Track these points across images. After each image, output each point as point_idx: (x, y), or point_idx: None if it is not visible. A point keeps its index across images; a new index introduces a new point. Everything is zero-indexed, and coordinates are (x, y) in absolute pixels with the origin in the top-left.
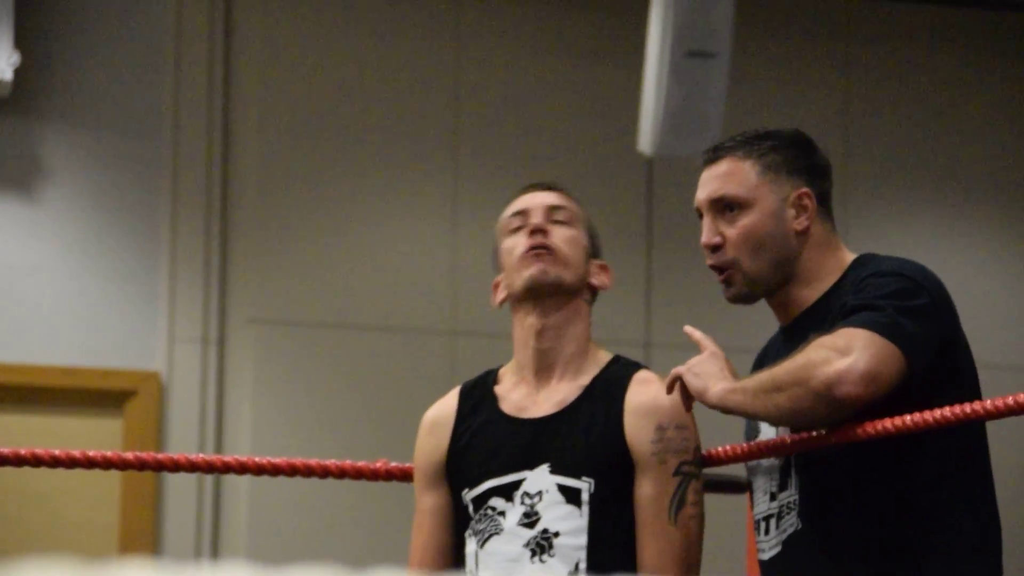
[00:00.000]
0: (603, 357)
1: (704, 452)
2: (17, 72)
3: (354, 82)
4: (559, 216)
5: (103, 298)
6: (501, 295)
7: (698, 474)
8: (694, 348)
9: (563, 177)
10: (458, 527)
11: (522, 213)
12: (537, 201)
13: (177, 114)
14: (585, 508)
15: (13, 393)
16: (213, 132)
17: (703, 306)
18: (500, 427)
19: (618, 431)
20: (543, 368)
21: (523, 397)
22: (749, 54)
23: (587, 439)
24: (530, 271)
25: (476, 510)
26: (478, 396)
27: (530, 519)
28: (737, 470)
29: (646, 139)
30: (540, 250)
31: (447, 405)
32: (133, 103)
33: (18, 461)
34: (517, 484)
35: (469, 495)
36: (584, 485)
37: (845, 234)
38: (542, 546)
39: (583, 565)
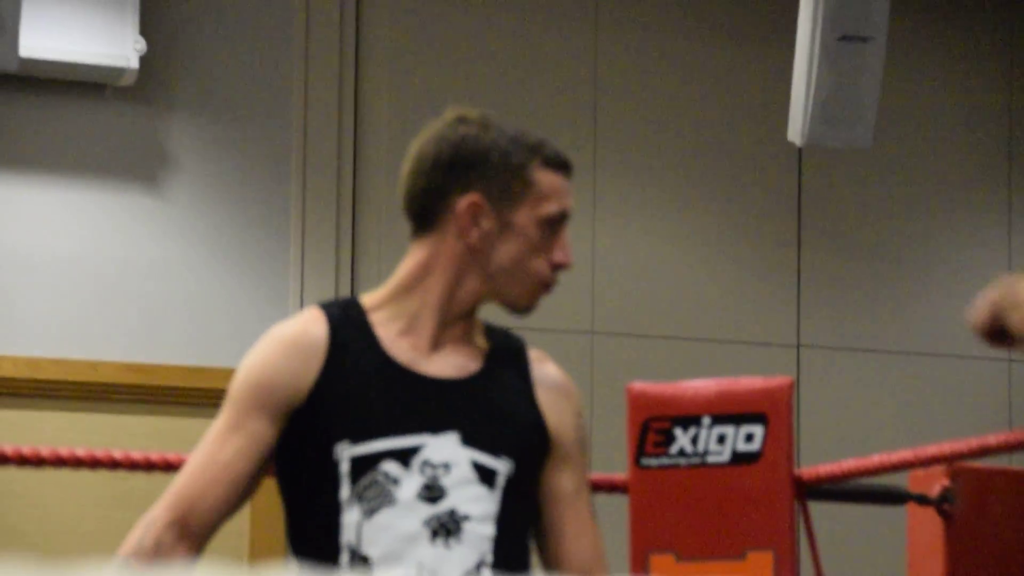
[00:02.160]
0: (477, 320)
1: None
2: (142, 60)
3: (488, 70)
4: None
5: (230, 294)
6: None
7: None
8: (848, 349)
9: (707, 169)
10: (309, 485)
11: (562, 218)
12: (569, 205)
13: (307, 103)
14: (498, 492)
15: (139, 393)
16: (344, 121)
17: (858, 306)
18: (392, 377)
19: (535, 410)
20: (441, 325)
21: (411, 349)
22: (905, 38)
23: (505, 414)
24: (533, 301)
25: (358, 472)
26: (350, 330)
27: (433, 493)
28: (895, 480)
29: (796, 129)
30: (549, 290)
31: (315, 328)
32: (261, 91)
33: (148, 466)
34: (415, 449)
35: (348, 451)
36: (501, 466)
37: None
38: (447, 528)
39: (489, 559)
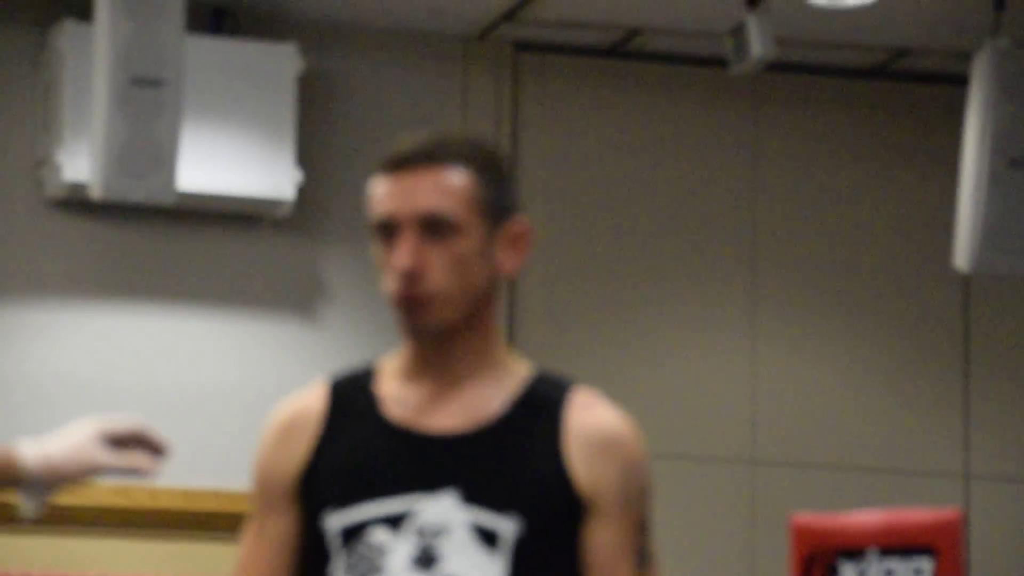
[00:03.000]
0: (521, 368)
1: None
2: (299, 191)
3: (644, 201)
4: (440, 231)
5: None
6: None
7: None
8: (1021, 481)
9: (870, 297)
10: (312, 563)
11: (387, 225)
12: (407, 208)
13: None
14: (505, 555)
15: None
16: None
17: None
18: (385, 437)
19: (557, 462)
20: (445, 372)
21: (419, 403)
22: None
23: (517, 467)
24: (403, 324)
25: (347, 543)
26: (352, 396)
27: (427, 560)
28: None
29: (962, 254)
30: (412, 303)
31: (310, 404)
32: None
33: None
34: (409, 514)
35: (335, 521)
36: (506, 526)
37: None
38: None
39: None
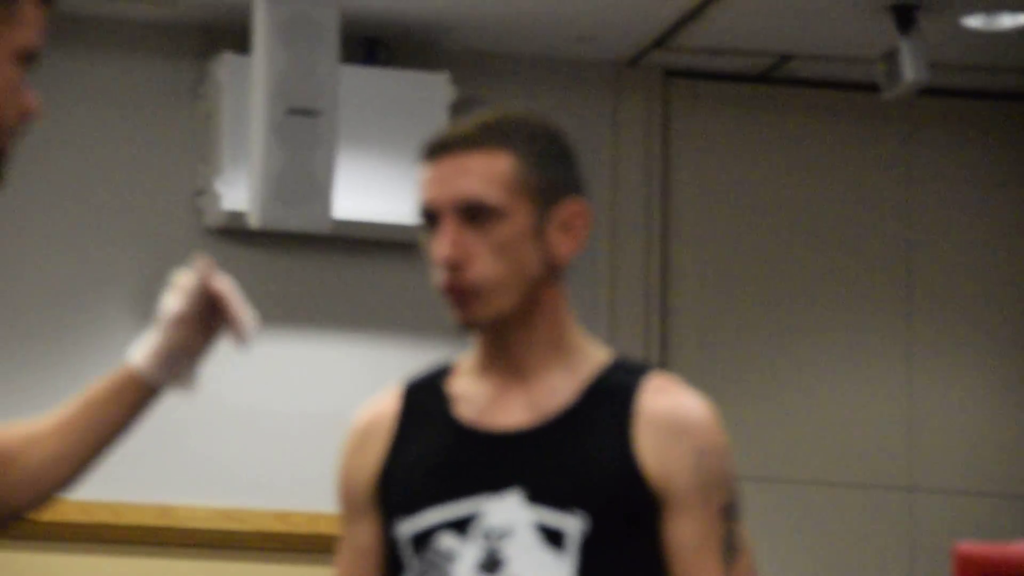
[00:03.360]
0: (599, 355)
1: None
2: None
3: (797, 227)
4: (480, 217)
5: None
6: None
7: (742, 516)
8: None
9: None
10: (392, 571)
11: (430, 214)
12: (445, 195)
13: (614, 264)
14: (572, 554)
15: None
16: (650, 281)
17: None
18: (452, 438)
19: (627, 453)
20: (510, 365)
21: (487, 400)
22: None
23: (583, 461)
24: (453, 317)
25: (418, 550)
26: (425, 397)
27: (493, 565)
28: None
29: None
30: (459, 294)
31: (384, 408)
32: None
33: None
34: (475, 516)
35: (406, 528)
36: (572, 524)
37: None
38: None
39: None
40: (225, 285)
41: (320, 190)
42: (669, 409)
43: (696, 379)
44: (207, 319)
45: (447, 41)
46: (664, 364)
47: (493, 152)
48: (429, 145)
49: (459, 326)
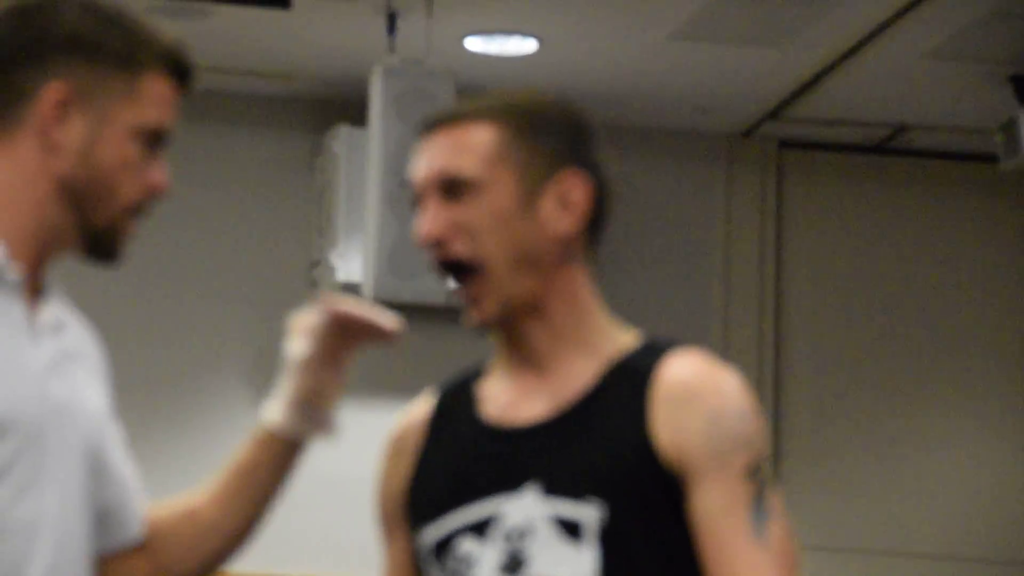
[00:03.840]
0: (626, 339)
1: None
2: None
3: (911, 301)
4: (458, 191)
5: None
6: None
7: (773, 481)
8: None
9: None
10: None
11: (417, 194)
12: (425, 173)
13: (727, 333)
14: (592, 545)
15: None
16: (763, 347)
17: None
18: (474, 439)
19: (641, 432)
20: (530, 356)
21: (511, 396)
22: None
23: (597, 447)
24: (466, 318)
25: (439, 557)
26: (455, 400)
27: (514, 565)
28: None
29: None
30: (459, 275)
31: (416, 415)
32: (681, 313)
33: None
34: (494, 518)
35: (429, 536)
36: (587, 513)
37: None
38: None
39: None
40: (348, 303)
41: None
42: (681, 379)
43: (811, 451)
44: (336, 357)
45: None
46: (777, 435)
47: (475, 125)
48: (420, 125)
49: (473, 326)
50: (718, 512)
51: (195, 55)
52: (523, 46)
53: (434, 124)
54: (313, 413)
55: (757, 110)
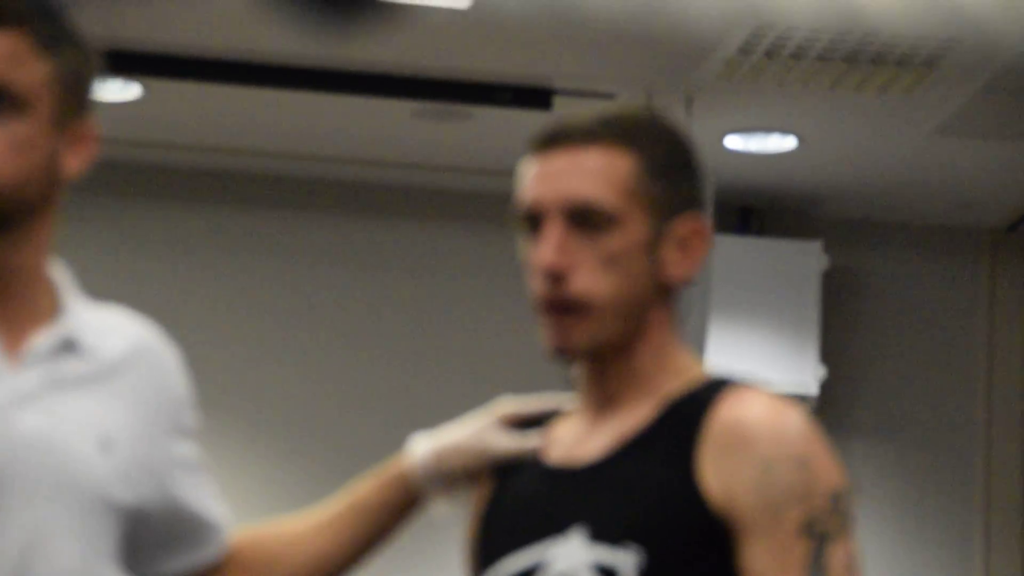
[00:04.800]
0: (692, 373)
1: None
2: (822, 386)
3: None
4: (590, 223)
5: None
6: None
7: (844, 533)
8: None
9: None
10: None
11: (533, 216)
12: (553, 194)
13: (990, 438)
14: None
15: None
16: None
17: None
18: (535, 482)
19: (687, 477)
20: (605, 395)
21: (576, 436)
22: None
23: (640, 491)
24: (547, 340)
25: None
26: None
27: None
28: None
29: None
30: (559, 313)
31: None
32: (944, 419)
33: None
34: (540, 565)
35: None
36: (624, 560)
37: None
38: None
39: None
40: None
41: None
42: (734, 420)
43: None
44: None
45: (821, 210)
46: None
47: (612, 149)
48: (538, 137)
49: (553, 353)
50: (772, 569)
51: (458, 157)
52: (783, 143)
53: (562, 138)
54: (451, 482)
55: (1021, 203)
